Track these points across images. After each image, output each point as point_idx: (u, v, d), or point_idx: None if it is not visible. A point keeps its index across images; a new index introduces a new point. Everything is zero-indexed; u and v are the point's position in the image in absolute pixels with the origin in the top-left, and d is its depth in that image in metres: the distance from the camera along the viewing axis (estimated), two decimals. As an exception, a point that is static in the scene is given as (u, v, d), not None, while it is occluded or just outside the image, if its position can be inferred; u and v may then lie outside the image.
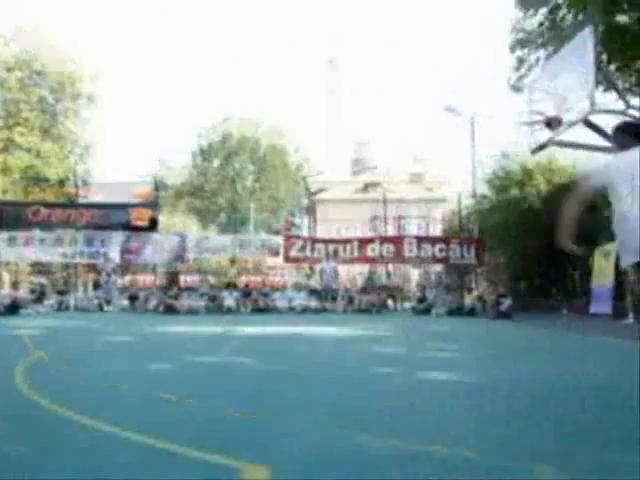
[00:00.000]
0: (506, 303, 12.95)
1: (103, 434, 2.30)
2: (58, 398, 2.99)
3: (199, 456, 1.98)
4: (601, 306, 12.37)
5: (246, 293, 16.12)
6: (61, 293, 16.55)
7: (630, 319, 10.57)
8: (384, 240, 17.64)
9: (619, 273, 12.03)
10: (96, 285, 16.83)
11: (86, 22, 69.76)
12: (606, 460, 2.02)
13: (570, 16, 10.68)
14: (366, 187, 33.04)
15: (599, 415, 2.78)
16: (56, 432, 2.37)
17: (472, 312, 14.52)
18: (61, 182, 31.24)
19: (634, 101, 10.87)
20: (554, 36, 11.07)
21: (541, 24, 11.82)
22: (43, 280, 17.66)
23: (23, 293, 15.30)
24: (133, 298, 16.31)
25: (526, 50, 12.46)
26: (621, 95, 9.84)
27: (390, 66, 79.29)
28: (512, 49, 12.70)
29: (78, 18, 66.56)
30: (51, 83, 31.29)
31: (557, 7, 11.11)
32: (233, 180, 38.63)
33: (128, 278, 19.82)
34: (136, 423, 2.44)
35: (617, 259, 12.23)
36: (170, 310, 14.62)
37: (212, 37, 75.47)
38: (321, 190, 31.30)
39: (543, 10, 11.51)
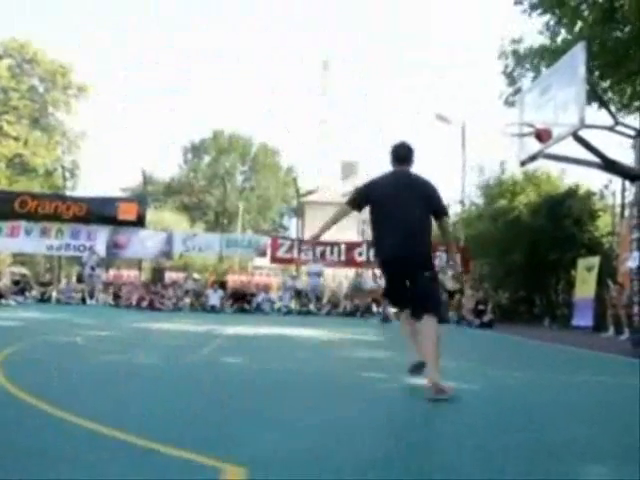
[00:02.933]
0: (487, 315, 13.06)
1: (82, 432, 2.28)
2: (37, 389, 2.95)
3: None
4: (583, 318, 12.52)
5: (231, 292, 16.06)
6: (43, 285, 16.36)
7: (610, 332, 10.71)
8: (371, 244, 17.66)
9: (601, 286, 12.22)
10: (79, 278, 16.62)
11: (82, 17, 69.17)
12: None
13: (562, 35, 10.85)
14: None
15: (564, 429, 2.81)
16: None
17: (457, 320, 14.60)
18: (48, 173, 30.94)
19: (626, 118, 11.07)
20: (547, 56, 11.23)
21: (531, 48, 12.00)
22: (25, 271, 17.41)
23: (4, 284, 15.09)
24: (117, 292, 16.17)
25: (518, 70, 12.60)
26: (610, 112, 9.98)
27: (380, 72, 79.61)
28: (504, 73, 12.83)
29: (75, 14, 65.97)
30: (42, 72, 30.96)
31: (550, 28, 11.27)
32: (223, 178, 38.48)
33: (112, 272, 19.65)
34: (109, 418, 2.42)
35: (600, 272, 12.42)
36: (153, 306, 14.52)
37: (205, 31, 75.23)
38: (310, 192, 31.31)
39: (537, 27, 11.66)
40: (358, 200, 3.72)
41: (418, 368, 3.70)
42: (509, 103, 12.93)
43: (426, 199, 3.63)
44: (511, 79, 12.75)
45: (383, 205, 3.62)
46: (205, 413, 2.75)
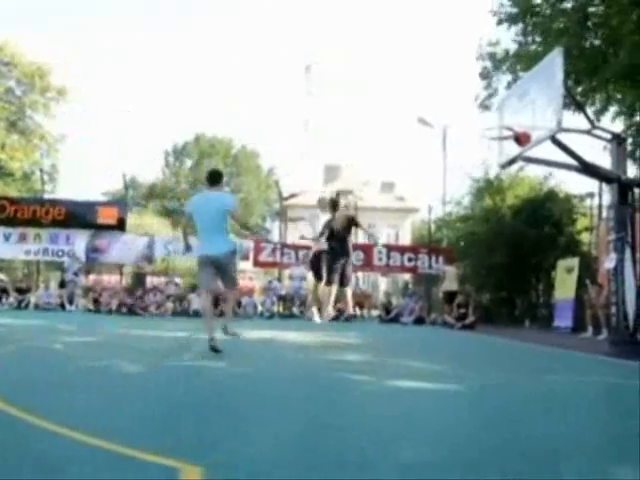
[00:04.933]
0: (469, 317, 13.17)
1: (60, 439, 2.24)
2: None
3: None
4: (563, 319, 12.69)
5: (214, 297, 15.92)
6: (21, 291, 16.02)
7: (589, 333, 10.87)
8: (354, 248, 17.69)
9: (580, 288, 12.41)
10: (62, 284, 16.32)
11: (62, 18, 68.35)
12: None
13: (538, 42, 11.01)
14: (337, 195, 33.12)
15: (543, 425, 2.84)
16: None
17: (438, 322, 14.72)
18: (26, 176, 30.43)
19: (605, 122, 11.28)
20: (522, 60, 11.38)
21: (507, 52, 12.14)
22: (2, 276, 17.06)
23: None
24: (97, 298, 15.94)
25: (494, 76, 12.72)
26: (587, 116, 10.16)
27: (363, 75, 79.99)
28: (481, 75, 12.92)
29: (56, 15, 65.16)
30: (19, 74, 30.43)
31: (526, 33, 11.41)
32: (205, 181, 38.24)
33: (92, 277, 19.38)
34: (90, 425, 2.39)
35: (580, 273, 12.62)
36: (135, 311, 14.35)
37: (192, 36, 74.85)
38: (293, 195, 31.29)
39: (512, 35, 11.80)
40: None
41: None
42: (484, 106, 13.04)
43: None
44: (488, 81, 12.86)
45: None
46: (184, 418, 2.72)
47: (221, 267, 5.33)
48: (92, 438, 2.20)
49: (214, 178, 5.49)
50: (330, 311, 8.19)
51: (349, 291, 8.47)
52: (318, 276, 8.20)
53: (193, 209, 5.43)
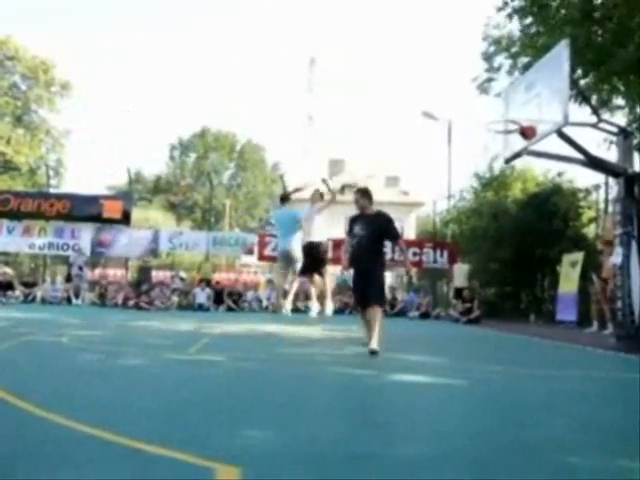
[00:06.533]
0: (474, 311, 13.17)
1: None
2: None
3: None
4: (567, 313, 12.66)
5: (219, 291, 15.97)
6: (27, 285, 16.11)
7: (594, 327, 10.84)
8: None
9: (584, 281, 12.35)
10: (68, 278, 16.39)
11: (66, 13, 68.28)
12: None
13: (543, 32, 10.89)
14: (342, 189, 33.06)
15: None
16: None
17: (443, 316, 14.72)
18: (32, 171, 30.54)
19: (606, 115, 11.16)
20: (526, 45, 11.28)
21: (512, 39, 12.01)
22: (9, 270, 17.14)
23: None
24: (103, 292, 16.01)
25: (497, 57, 12.58)
26: (594, 109, 10.07)
27: (367, 70, 79.63)
28: (483, 55, 12.78)
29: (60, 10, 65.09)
30: (24, 69, 30.48)
31: (532, 24, 11.29)
32: (209, 175, 38.27)
33: (98, 271, 19.45)
34: (94, 418, 2.40)
35: (584, 267, 12.55)
36: (140, 306, 14.41)
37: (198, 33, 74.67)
38: (297, 189, 31.27)
39: (518, 24, 11.67)
40: None
41: None
42: (482, 89, 12.90)
43: None
44: (490, 64, 12.73)
45: None
46: (191, 411, 2.73)
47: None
48: (99, 431, 2.21)
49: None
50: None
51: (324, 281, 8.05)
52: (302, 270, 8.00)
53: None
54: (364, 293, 5.56)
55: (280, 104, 62.26)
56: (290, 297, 8.25)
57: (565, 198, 15.37)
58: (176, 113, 72.97)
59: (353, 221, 5.80)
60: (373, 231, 5.59)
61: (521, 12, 11.15)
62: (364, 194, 5.77)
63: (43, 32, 61.97)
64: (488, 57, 12.73)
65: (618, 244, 7.60)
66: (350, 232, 5.84)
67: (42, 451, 2.00)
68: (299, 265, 7.78)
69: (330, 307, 8.01)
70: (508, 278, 16.01)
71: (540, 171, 17.17)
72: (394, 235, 5.86)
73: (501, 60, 12.54)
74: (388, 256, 17.20)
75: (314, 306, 8.11)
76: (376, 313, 5.40)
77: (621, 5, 9.50)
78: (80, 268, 16.26)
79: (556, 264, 14.68)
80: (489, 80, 12.71)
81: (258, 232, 18.93)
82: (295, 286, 8.31)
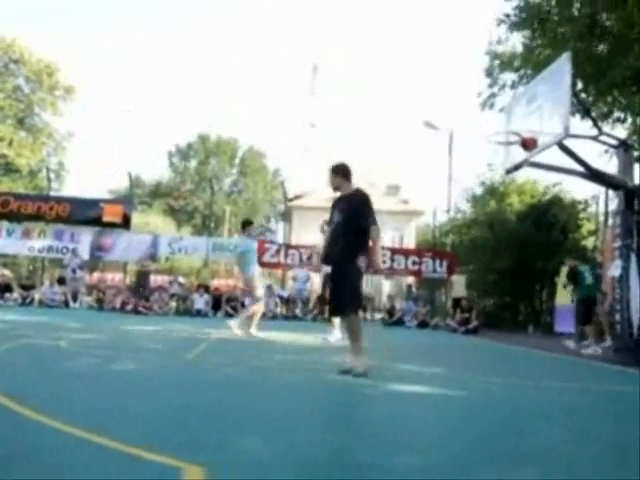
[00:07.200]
0: (472, 322, 13.16)
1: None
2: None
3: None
4: (565, 325, 12.64)
5: (217, 296, 15.94)
6: (25, 287, 16.07)
7: (592, 339, 10.79)
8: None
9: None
10: (61, 281, 16.34)
11: (69, 17, 68.66)
12: None
13: (545, 44, 10.96)
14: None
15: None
16: None
17: (441, 326, 14.69)
18: (32, 173, 30.58)
19: (606, 128, 11.22)
20: (528, 59, 11.34)
21: (514, 54, 12.09)
22: (7, 272, 17.11)
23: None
24: (101, 296, 15.97)
25: (500, 73, 12.65)
26: (595, 122, 10.13)
27: (370, 76, 79.98)
28: (487, 71, 12.86)
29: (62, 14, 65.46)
30: (28, 72, 30.59)
31: (533, 37, 11.36)
32: (210, 181, 38.32)
33: (97, 275, 19.41)
34: (87, 421, 2.39)
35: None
36: (138, 310, 14.37)
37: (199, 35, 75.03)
38: (298, 196, 31.31)
39: (520, 37, 11.76)
40: None
41: None
42: (486, 105, 12.94)
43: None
44: (492, 79, 12.79)
45: None
46: (186, 417, 2.72)
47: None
48: (95, 436, 2.20)
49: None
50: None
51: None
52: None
53: None
54: (336, 299, 4.51)
55: (281, 110, 62.52)
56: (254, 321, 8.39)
57: (564, 210, 15.41)
58: (176, 118, 73.17)
59: (333, 206, 4.71)
60: (348, 217, 4.44)
61: (521, 25, 11.23)
62: (335, 171, 4.65)
63: (43, 32, 62.27)
64: (491, 72, 12.82)
65: (617, 257, 7.61)
66: (330, 220, 4.72)
67: (39, 455, 1.99)
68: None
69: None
70: (507, 289, 16.01)
71: (543, 185, 17.21)
72: (364, 221, 4.40)
73: (504, 77, 12.62)
74: (386, 265, 17.38)
75: (335, 332, 8.14)
76: (350, 324, 4.51)
77: (622, 18, 9.58)
78: (74, 271, 16.15)
79: (555, 275, 14.69)
80: (492, 96, 12.77)
81: (258, 239, 18.89)
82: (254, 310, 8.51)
